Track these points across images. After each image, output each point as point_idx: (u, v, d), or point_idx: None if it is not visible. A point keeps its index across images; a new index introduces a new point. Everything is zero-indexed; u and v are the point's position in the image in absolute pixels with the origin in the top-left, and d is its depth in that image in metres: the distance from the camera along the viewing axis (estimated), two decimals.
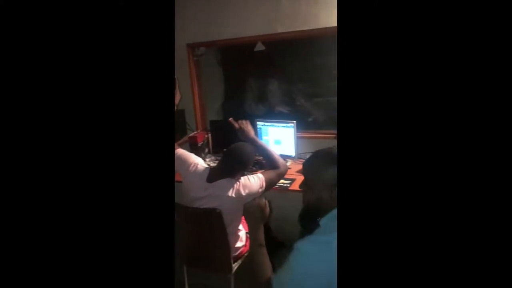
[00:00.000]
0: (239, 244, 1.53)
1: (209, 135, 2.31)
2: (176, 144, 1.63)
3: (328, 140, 2.03)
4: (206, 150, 2.30)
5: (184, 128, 2.44)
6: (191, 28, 2.23)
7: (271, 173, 1.47)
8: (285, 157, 2.05)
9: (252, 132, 1.57)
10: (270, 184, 1.45)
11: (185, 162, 1.47)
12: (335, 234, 0.72)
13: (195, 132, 2.33)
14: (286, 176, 1.63)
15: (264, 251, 0.89)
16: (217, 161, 1.97)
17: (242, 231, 1.56)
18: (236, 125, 1.57)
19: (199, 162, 1.47)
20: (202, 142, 2.24)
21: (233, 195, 1.35)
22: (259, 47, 2.16)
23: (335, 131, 1.78)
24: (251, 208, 0.96)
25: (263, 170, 1.58)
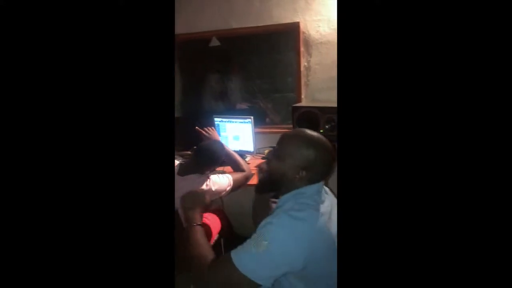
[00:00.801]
0: None
1: None
2: None
3: None
4: None
5: None
6: None
7: (239, 175, 1.59)
8: (244, 152, 2.07)
9: (218, 139, 1.73)
10: (236, 184, 1.54)
11: None
12: (308, 212, 0.76)
13: None
14: None
15: (200, 228, 0.87)
16: (180, 158, 1.96)
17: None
18: (204, 132, 1.72)
19: None
20: None
21: (203, 189, 1.39)
22: (214, 42, 2.13)
23: (291, 126, 1.83)
24: (191, 193, 0.96)
25: (231, 172, 1.67)
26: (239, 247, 0.76)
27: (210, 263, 0.78)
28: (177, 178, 1.42)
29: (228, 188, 1.49)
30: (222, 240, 1.72)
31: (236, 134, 2.09)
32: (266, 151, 2.09)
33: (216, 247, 1.64)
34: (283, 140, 0.86)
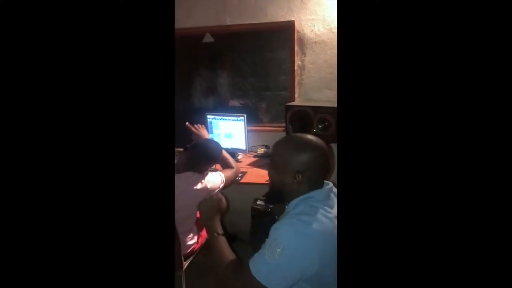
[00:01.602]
0: (191, 242, 1.53)
1: None
2: None
3: (278, 133, 2.07)
4: None
5: None
6: None
7: (229, 171, 1.59)
8: (236, 150, 2.06)
9: (207, 136, 1.73)
10: (228, 182, 1.55)
11: None
12: (319, 216, 0.77)
13: None
14: None
15: (223, 238, 0.90)
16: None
17: (194, 229, 1.56)
18: (193, 129, 1.72)
19: None
20: None
21: (199, 187, 1.39)
22: (208, 38, 2.10)
23: (284, 124, 1.83)
24: (209, 200, 0.98)
25: (221, 169, 1.66)
26: (256, 255, 0.78)
27: (232, 273, 0.82)
28: None
29: (221, 186, 1.50)
30: None
31: (229, 132, 2.08)
32: (259, 150, 2.09)
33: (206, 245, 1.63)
34: (275, 148, 0.89)
